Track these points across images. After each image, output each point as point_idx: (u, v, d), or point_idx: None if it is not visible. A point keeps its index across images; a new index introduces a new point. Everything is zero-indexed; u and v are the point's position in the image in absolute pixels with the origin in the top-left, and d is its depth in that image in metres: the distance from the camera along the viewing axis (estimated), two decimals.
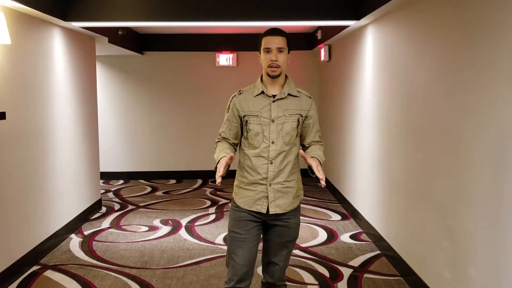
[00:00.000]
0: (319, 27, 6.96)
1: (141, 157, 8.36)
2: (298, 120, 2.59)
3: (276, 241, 2.64)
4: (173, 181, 8.15)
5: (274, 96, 2.57)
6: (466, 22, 2.88)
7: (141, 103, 8.27)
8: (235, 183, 2.70)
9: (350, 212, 5.87)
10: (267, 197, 2.56)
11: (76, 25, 4.87)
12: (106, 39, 5.96)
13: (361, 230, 5.24)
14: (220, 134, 2.71)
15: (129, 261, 4.36)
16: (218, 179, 2.35)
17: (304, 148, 2.69)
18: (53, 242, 4.68)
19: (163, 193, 7.28)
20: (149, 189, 7.57)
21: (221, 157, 2.48)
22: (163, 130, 8.28)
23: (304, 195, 7.54)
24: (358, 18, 4.75)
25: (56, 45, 4.88)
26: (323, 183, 2.38)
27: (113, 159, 8.29)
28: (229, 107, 2.66)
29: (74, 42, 5.37)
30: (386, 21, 4.44)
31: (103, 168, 7.87)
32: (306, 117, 2.63)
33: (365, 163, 5.18)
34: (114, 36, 6.25)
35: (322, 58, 7.35)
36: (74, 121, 5.37)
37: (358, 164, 5.49)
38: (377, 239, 4.67)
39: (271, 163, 2.55)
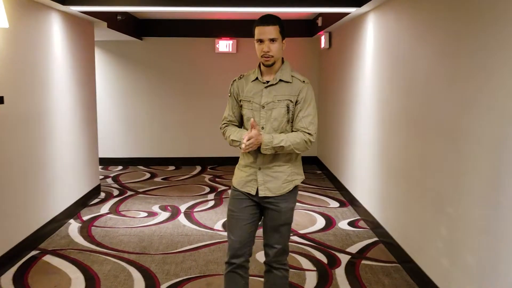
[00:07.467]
0: (320, 14, 6.91)
1: (140, 143, 8.35)
2: (288, 106, 2.60)
3: (269, 224, 2.71)
4: (172, 168, 8.16)
5: (267, 82, 2.63)
6: (469, 11, 2.86)
7: (140, 88, 8.24)
8: (237, 165, 2.83)
9: (348, 199, 5.89)
10: (257, 180, 2.64)
11: (75, 9, 4.83)
12: (105, 24, 5.91)
13: (359, 217, 5.26)
14: (225, 118, 2.78)
15: (128, 246, 4.38)
16: (243, 145, 2.48)
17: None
18: (52, 227, 4.70)
19: (162, 179, 7.29)
20: (148, 175, 7.57)
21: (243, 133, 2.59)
22: (162, 116, 8.26)
23: (302, 182, 7.58)
24: (359, 5, 4.72)
25: (55, 30, 4.84)
26: (242, 145, 2.49)
27: (112, 144, 8.28)
28: (230, 91, 2.75)
29: (73, 27, 5.33)
30: (387, 8, 4.41)
31: (102, 154, 7.87)
32: (296, 102, 2.61)
33: (364, 150, 5.18)
34: (113, 21, 6.20)
35: (322, 45, 7.31)
36: (72, 106, 5.35)
37: (357, 152, 5.50)
38: (375, 226, 4.70)
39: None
